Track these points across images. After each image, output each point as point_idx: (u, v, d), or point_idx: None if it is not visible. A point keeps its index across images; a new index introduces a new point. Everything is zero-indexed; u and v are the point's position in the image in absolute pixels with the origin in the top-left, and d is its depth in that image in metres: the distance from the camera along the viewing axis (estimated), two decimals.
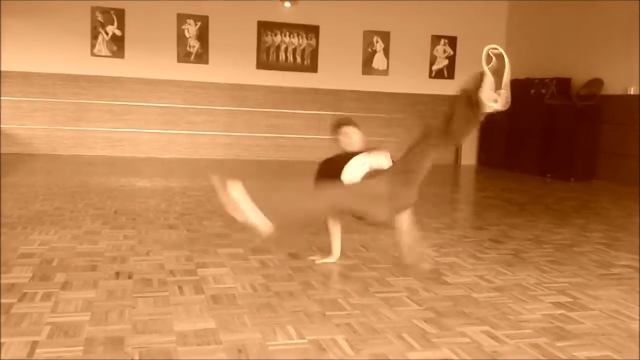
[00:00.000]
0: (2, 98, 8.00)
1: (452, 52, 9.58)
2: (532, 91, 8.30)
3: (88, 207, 4.37)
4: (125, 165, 7.36)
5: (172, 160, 8.28)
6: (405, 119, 9.37)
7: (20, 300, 2.34)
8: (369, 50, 9.28)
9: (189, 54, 8.57)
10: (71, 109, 8.29)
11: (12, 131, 8.12)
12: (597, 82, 7.62)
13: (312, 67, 9.05)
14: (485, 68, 2.49)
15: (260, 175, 7.08)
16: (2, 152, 7.95)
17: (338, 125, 3.14)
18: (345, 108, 9.15)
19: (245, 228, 2.76)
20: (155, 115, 8.56)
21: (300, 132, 9.06)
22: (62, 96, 8.24)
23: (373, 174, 2.84)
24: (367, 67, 9.30)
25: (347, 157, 2.96)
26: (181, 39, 8.52)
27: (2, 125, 8.04)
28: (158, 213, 4.28)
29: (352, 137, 3.07)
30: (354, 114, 9.13)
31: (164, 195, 5.09)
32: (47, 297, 2.39)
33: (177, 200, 4.88)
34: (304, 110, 9.06)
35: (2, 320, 2.12)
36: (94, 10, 8.22)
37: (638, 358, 2.05)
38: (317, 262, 3.09)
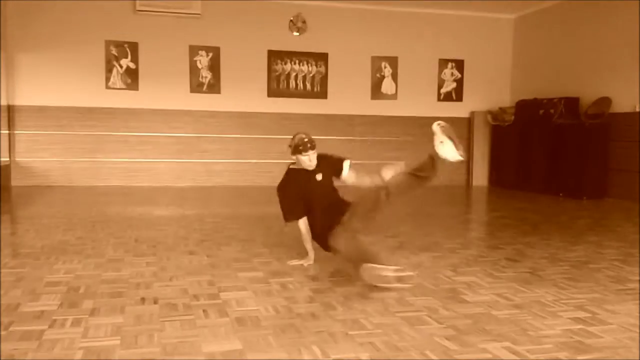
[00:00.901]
0: (17, 132, 8.20)
1: (459, 75, 9.70)
2: (541, 111, 8.37)
3: (109, 236, 4.46)
4: (142, 195, 7.48)
5: (187, 188, 8.39)
6: (415, 142, 9.46)
7: (51, 326, 2.42)
8: (378, 75, 9.42)
9: (201, 84, 8.75)
10: (87, 140, 8.46)
11: (28, 164, 8.29)
12: (605, 101, 7.68)
13: (322, 94, 9.19)
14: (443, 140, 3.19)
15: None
16: (18, 184, 8.12)
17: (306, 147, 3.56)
18: (355, 132, 9.28)
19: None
20: (169, 144, 8.71)
21: None
22: (77, 129, 8.42)
23: None
24: (376, 92, 9.43)
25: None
26: (193, 70, 8.71)
27: (18, 159, 8.21)
28: (177, 240, 4.36)
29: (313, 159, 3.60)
30: (365, 138, 9.28)
31: (182, 223, 5.18)
32: (77, 323, 2.46)
33: (195, 227, 4.97)
34: (315, 136, 9.13)
35: (35, 346, 2.19)
36: (108, 44, 8.44)
37: None
38: (291, 263, 3.56)
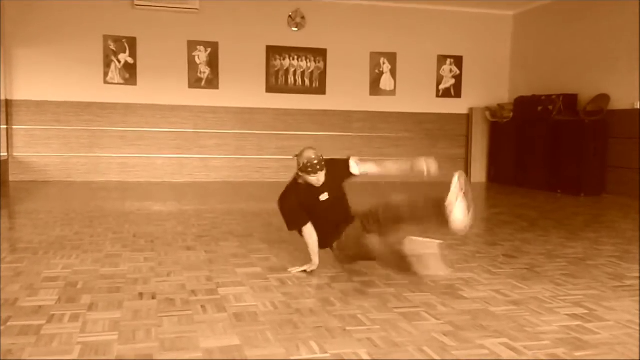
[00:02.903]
0: (15, 127, 8.18)
1: (458, 72, 9.70)
2: (540, 108, 8.38)
3: (107, 232, 4.46)
4: (140, 190, 7.47)
5: (185, 183, 8.39)
6: (413, 138, 9.48)
7: (49, 321, 2.41)
8: (376, 71, 9.41)
9: (199, 79, 8.73)
10: (85, 136, 8.45)
11: (26, 159, 8.27)
12: (604, 98, 7.68)
13: (321, 90, 9.19)
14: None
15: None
16: (16, 180, 8.11)
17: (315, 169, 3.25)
18: (353, 128, 9.28)
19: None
20: (167, 140, 8.70)
21: None
22: (75, 124, 8.40)
23: None
24: (375, 88, 9.43)
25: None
26: (192, 65, 8.69)
27: (15, 154, 8.20)
28: (175, 235, 4.36)
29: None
30: (363, 134, 9.28)
31: (180, 218, 5.17)
32: (75, 318, 2.46)
33: (192, 222, 4.97)
34: (313, 132, 9.17)
35: (33, 341, 2.19)
36: (106, 38, 8.41)
37: None
38: (293, 271, 3.32)
